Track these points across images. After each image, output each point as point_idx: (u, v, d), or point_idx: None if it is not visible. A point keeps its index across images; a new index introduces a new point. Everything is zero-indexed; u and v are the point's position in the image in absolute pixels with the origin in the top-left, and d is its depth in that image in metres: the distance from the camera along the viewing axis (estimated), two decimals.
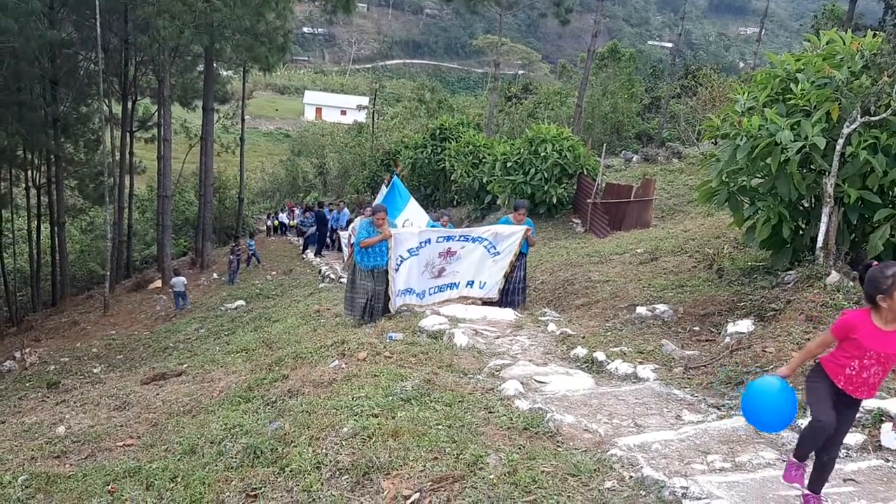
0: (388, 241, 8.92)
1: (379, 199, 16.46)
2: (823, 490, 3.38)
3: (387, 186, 17.16)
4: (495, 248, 9.58)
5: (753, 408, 3.41)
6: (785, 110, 7.22)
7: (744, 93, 7.82)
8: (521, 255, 9.76)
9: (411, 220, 12.71)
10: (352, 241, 14.79)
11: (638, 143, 34.47)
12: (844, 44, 7.22)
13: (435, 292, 9.53)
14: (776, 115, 6.97)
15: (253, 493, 4.13)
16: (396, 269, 9.02)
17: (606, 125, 35.26)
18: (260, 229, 41.03)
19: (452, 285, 9.61)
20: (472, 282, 9.67)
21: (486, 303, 9.57)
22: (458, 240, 9.58)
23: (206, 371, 9.04)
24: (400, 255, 9.04)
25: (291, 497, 3.91)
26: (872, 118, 6.67)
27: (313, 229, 23.75)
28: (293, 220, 34.90)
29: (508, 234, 9.61)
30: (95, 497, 5.04)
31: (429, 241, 9.32)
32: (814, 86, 7.06)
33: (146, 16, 22.52)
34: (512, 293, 9.82)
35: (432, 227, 11.36)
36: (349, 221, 21.00)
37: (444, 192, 25.24)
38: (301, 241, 26.07)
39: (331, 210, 25.19)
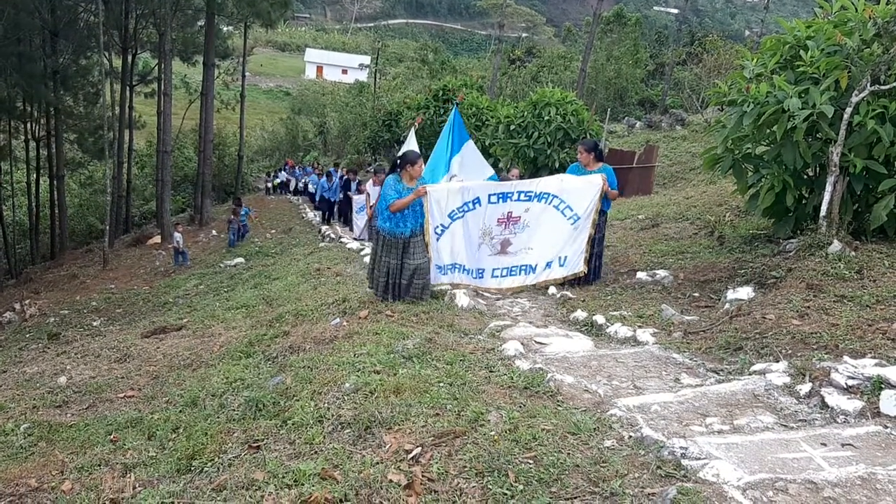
0: (422, 200, 7.21)
1: (405, 149, 15.40)
2: (819, 453, 3.41)
3: (416, 129, 15.71)
4: (573, 210, 7.69)
5: None
6: (793, 77, 7.16)
7: (753, 59, 7.74)
8: (601, 213, 8.05)
9: (461, 176, 9.88)
10: (371, 205, 14.66)
11: (641, 110, 34.31)
12: (857, 11, 7.12)
13: (503, 275, 7.87)
14: (784, 82, 6.91)
15: (255, 444, 4.16)
16: (437, 239, 7.50)
17: (610, 91, 35.07)
18: (259, 188, 40.93)
19: (527, 268, 7.85)
20: (552, 262, 7.82)
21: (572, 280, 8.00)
22: (518, 198, 7.68)
23: (206, 326, 9.08)
24: (441, 224, 7.43)
25: (294, 449, 3.94)
26: (882, 87, 6.62)
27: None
28: (291, 179, 34.76)
29: (582, 186, 7.75)
30: (98, 446, 5.08)
31: (478, 200, 7.56)
32: (824, 53, 6.98)
33: None
34: (595, 258, 8.23)
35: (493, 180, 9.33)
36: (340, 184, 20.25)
37: None
38: (300, 200, 25.89)
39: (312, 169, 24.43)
